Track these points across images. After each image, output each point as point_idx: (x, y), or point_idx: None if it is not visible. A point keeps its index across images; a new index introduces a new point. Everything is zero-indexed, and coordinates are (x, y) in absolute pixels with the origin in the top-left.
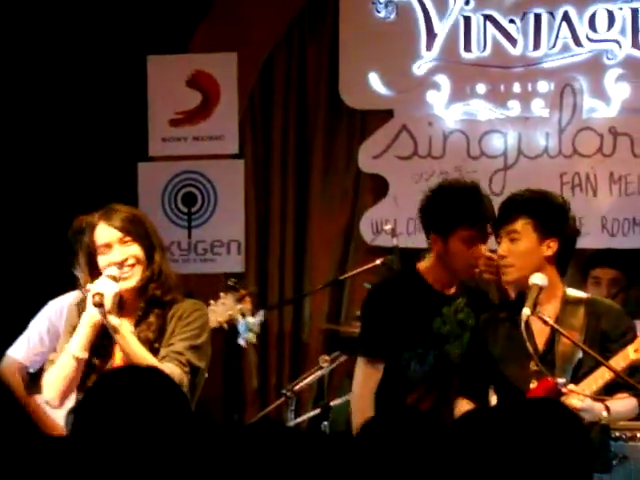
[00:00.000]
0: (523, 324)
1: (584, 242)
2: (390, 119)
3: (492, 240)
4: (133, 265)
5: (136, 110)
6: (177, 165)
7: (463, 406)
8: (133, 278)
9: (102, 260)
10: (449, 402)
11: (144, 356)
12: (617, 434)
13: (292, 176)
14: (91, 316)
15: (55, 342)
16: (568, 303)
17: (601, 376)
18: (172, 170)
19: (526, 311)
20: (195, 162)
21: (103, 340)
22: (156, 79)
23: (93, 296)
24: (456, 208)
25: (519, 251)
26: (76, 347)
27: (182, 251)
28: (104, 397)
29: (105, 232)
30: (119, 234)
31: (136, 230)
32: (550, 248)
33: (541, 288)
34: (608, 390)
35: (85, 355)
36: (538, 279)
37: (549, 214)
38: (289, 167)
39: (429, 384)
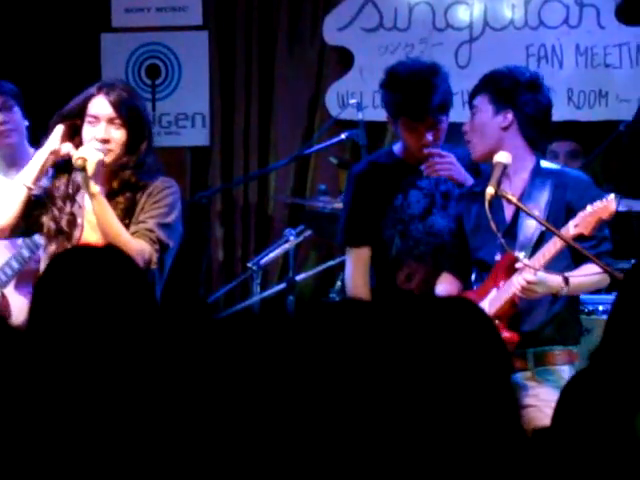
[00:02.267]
0: (487, 203)
1: None
2: None
3: None
4: (111, 150)
5: None
6: (140, 36)
7: (440, 284)
8: (107, 158)
9: (86, 130)
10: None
11: (117, 227)
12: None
13: (257, 48)
14: (49, 145)
15: None
16: (538, 175)
17: (553, 245)
18: (135, 41)
19: (489, 190)
20: (159, 33)
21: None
22: None
23: (76, 159)
24: (398, 99)
25: (475, 124)
26: (27, 176)
27: None
28: (60, 278)
29: (100, 105)
30: (111, 112)
31: (129, 115)
32: (506, 119)
33: (505, 166)
34: (578, 264)
35: (33, 186)
36: (502, 157)
37: (502, 86)
38: (253, 39)
39: (417, 258)
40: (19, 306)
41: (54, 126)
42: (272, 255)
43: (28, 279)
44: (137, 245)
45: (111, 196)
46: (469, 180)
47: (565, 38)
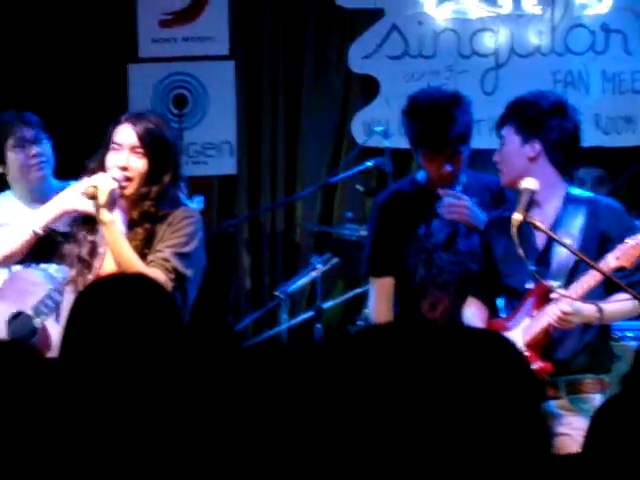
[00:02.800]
0: (514, 229)
1: None
2: (380, 18)
3: None
4: (131, 179)
5: (125, 10)
6: (167, 66)
7: (468, 308)
8: (127, 189)
9: (110, 158)
10: None
11: (130, 256)
12: None
13: (283, 77)
14: (68, 199)
15: None
16: (570, 203)
17: (592, 278)
18: (162, 72)
19: (516, 216)
20: (185, 63)
21: (89, 249)
22: None
23: (87, 188)
24: (418, 129)
25: (504, 155)
26: (38, 222)
27: None
28: (92, 307)
29: (125, 133)
30: (135, 141)
31: (154, 145)
32: (533, 149)
33: (532, 192)
34: (610, 292)
35: (41, 232)
36: (529, 183)
37: (528, 116)
38: (279, 68)
39: (440, 287)
40: (59, 338)
41: (90, 166)
42: (299, 283)
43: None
44: (150, 273)
45: (131, 226)
46: (482, 225)
47: (592, 64)
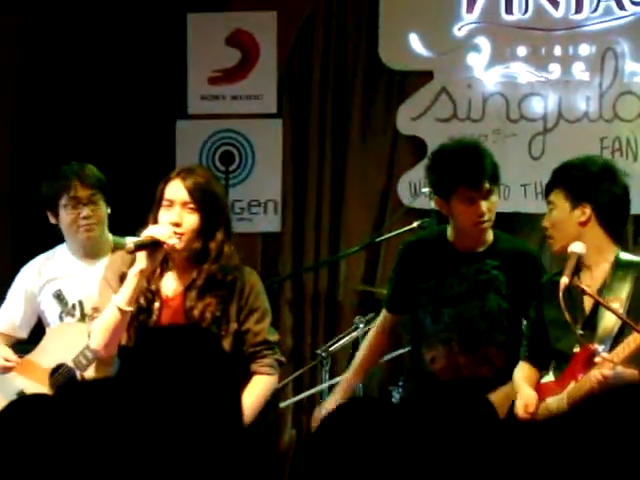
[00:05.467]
0: (561, 293)
1: None
2: (430, 81)
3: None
4: (183, 234)
5: (176, 68)
6: (215, 123)
7: (517, 370)
8: (178, 245)
9: (162, 214)
10: (490, 362)
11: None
12: None
13: (330, 137)
14: (139, 269)
15: (34, 305)
16: (619, 267)
17: (633, 341)
18: (210, 128)
19: (564, 280)
20: (233, 121)
21: (146, 299)
22: (196, 37)
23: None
24: (452, 169)
25: (554, 220)
26: (121, 299)
27: None
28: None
29: (175, 189)
30: (186, 197)
31: (205, 200)
32: (584, 214)
33: (580, 256)
34: None
35: (130, 308)
36: (577, 247)
37: (578, 180)
38: (327, 127)
39: (443, 342)
40: None
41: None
42: (341, 342)
43: (107, 362)
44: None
45: (200, 295)
46: None
47: None
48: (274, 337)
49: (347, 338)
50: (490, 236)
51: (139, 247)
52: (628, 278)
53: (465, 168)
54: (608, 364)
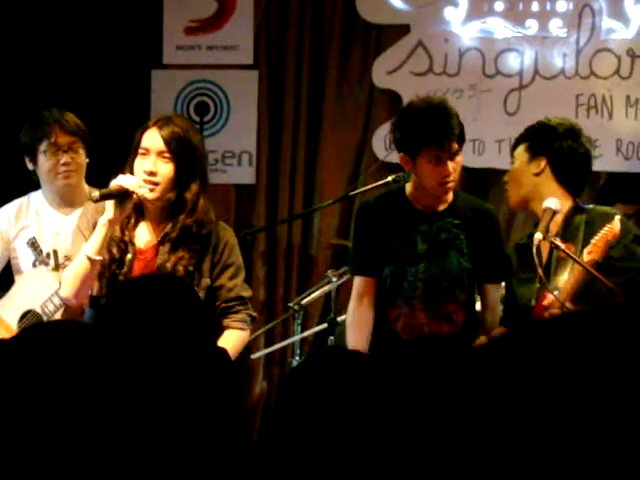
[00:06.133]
0: (534, 248)
1: (598, 164)
2: (406, 34)
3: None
4: (157, 183)
5: (151, 17)
6: (191, 74)
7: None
8: (152, 193)
9: (137, 162)
10: (451, 320)
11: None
12: None
13: (306, 89)
14: (108, 218)
15: (8, 249)
16: (573, 217)
17: (573, 276)
18: (185, 78)
19: (538, 235)
20: (209, 71)
21: (119, 249)
22: None
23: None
24: (420, 129)
25: (512, 172)
26: (90, 248)
27: None
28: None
29: (151, 138)
30: (162, 146)
31: (181, 150)
32: (539, 166)
33: (554, 212)
34: None
35: (99, 257)
36: (552, 203)
37: (538, 136)
38: (303, 80)
39: (405, 300)
40: None
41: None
42: (314, 296)
43: (75, 310)
44: (238, 338)
45: (174, 247)
46: None
47: (616, 89)
48: (247, 293)
49: (320, 291)
50: (450, 195)
51: (105, 196)
52: (581, 226)
53: (434, 128)
54: (556, 304)
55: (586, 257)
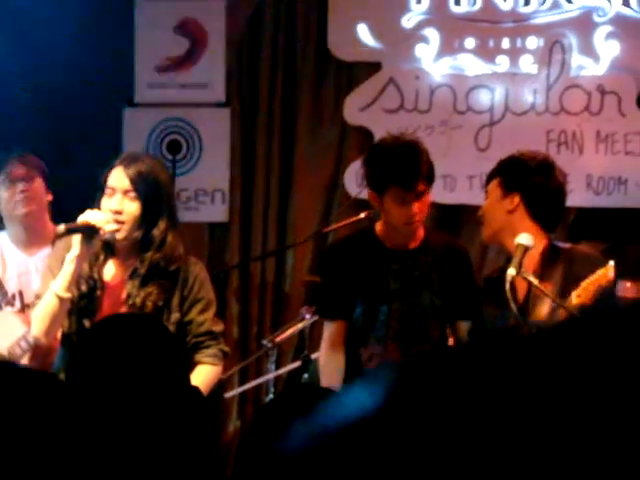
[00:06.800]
0: (508, 285)
1: (569, 200)
2: (377, 72)
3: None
4: (123, 222)
5: (123, 55)
6: (163, 112)
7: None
8: (119, 233)
9: (104, 202)
10: None
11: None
12: None
13: (278, 126)
14: (75, 255)
15: None
16: (549, 255)
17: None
18: (157, 117)
19: (511, 271)
20: (181, 109)
21: (88, 285)
22: (144, 24)
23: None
24: (387, 168)
25: (485, 207)
26: (58, 285)
27: None
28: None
29: (117, 177)
30: (127, 185)
31: (146, 188)
32: (512, 202)
33: (527, 248)
34: None
35: (67, 295)
36: (523, 239)
37: (512, 171)
38: (275, 117)
39: (378, 340)
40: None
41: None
42: (287, 333)
43: (43, 353)
44: (210, 373)
45: (143, 283)
46: None
47: (586, 125)
48: (218, 327)
49: (293, 329)
50: (421, 232)
51: (71, 230)
52: (558, 265)
53: (400, 168)
54: None
55: (575, 300)
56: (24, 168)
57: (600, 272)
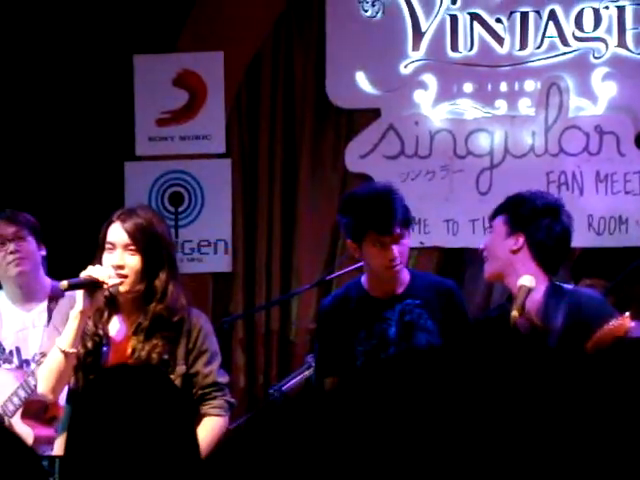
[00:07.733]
0: (512, 326)
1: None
2: (377, 118)
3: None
4: (126, 275)
5: (123, 109)
6: (164, 164)
7: None
8: (122, 286)
9: (105, 257)
10: None
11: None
12: None
13: (279, 176)
14: (79, 310)
15: None
16: (552, 296)
17: None
18: (159, 169)
19: (514, 313)
20: (182, 161)
21: (94, 342)
22: (143, 78)
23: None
24: (361, 216)
25: (488, 243)
26: (63, 341)
27: None
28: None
29: (115, 232)
30: (126, 239)
31: (145, 241)
32: (517, 243)
33: (529, 289)
34: None
35: (72, 350)
36: (526, 280)
37: (519, 210)
38: (276, 167)
39: None
40: (24, 436)
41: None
42: (294, 381)
43: (35, 409)
44: (214, 425)
45: (148, 336)
46: None
47: (585, 165)
48: (224, 379)
49: (300, 377)
50: (406, 276)
51: (74, 286)
52: (560, 307)
53: (375, 214)
54: None
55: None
56: (13, 227)
57: (617, 322)
